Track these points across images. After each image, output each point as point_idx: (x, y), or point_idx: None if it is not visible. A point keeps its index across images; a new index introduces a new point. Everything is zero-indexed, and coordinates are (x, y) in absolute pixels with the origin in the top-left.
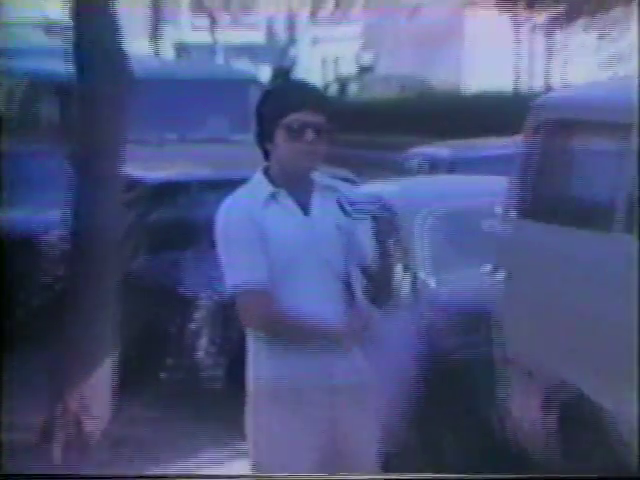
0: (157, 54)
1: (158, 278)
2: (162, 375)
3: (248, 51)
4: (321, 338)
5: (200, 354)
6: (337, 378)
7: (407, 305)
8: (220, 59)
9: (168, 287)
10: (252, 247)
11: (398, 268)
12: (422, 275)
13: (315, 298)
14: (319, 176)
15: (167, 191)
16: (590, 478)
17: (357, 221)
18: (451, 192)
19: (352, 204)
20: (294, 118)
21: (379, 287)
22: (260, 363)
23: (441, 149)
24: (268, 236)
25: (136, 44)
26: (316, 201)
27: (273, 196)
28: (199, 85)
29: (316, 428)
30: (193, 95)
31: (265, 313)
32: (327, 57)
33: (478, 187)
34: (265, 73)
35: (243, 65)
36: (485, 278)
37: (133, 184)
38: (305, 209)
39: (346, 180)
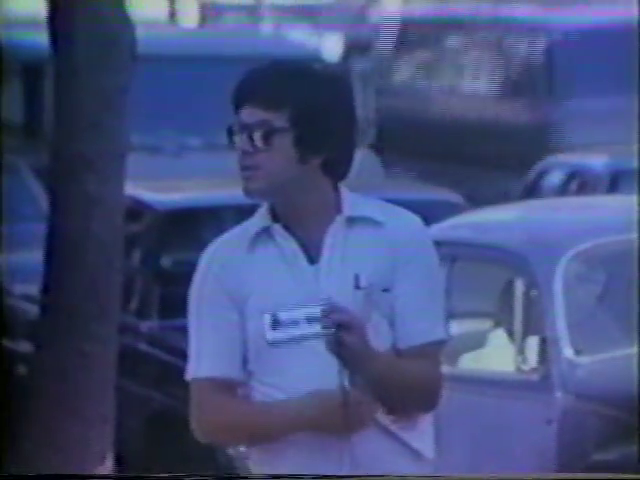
0: (175, 19)
1: (179, 352)
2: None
3: (308, 14)
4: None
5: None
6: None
7: (541, 395)
8: (266, 26)
9: None
10: (221, 318)
11: (532, 342)
12: (567, 352)
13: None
14: (352, 204)
15: (189, 221)
16: (590, 478)
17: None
18: (612, 222)
19: (311, 320)
20: (234, 120)
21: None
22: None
23: (594, 158)
24: (252, 292)
25: (145, 5)
26: (330, 240)
27: (267, 232)
28: (235, 66)
29: None
30: (225, 81)
31: (224, 423)
32: None
33: None
34: (333, 46)
35: (300, 36)
36: None
37: (140, 211)
38: (311, 253)
39: (449, 205)
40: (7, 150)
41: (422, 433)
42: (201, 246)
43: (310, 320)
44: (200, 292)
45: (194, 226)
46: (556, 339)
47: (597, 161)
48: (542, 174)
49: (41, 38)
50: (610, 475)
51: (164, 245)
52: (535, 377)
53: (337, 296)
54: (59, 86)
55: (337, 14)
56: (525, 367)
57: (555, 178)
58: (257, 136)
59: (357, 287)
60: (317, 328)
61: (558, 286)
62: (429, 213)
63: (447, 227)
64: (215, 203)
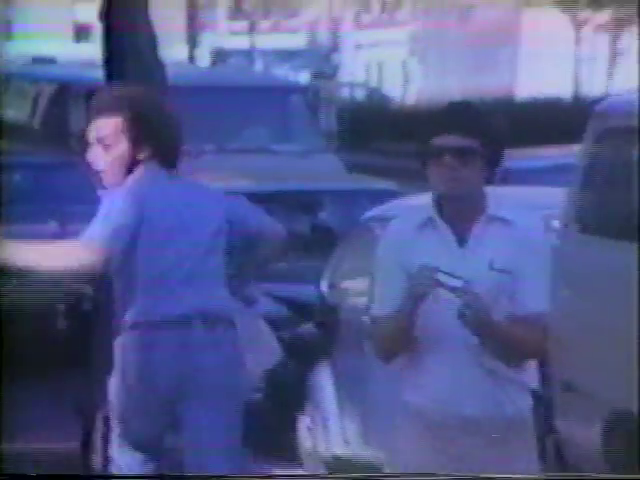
0: (193, 60)
1: None
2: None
3: (289, 57)
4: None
5: None
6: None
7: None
8: (260, 65)
9: None
10: (394, 274)
11: None
12: None
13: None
14: (495, 206)
15: None
16: (590, 478)
17: (524, 262)
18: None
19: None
20: (436, 142)
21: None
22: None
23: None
24: (413, 261)
25: (172, 50)
26: (476, 232)
27: (431, 220)
28: (237, 92)
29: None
30: (231, 103)
31: (397, 348)
32: (371, 63)
33: (532, 200)
34: (306, 79)
35: (283, 71)
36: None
37: None
38: (461, 239)
39: (385, 192)
40: None
41: (528, 369)
42: None
43: (453, 289)
44: (385, 254)
45: None
46: None
47: None
48: None
49: (97, 74)
50: (610, 475)
51: None
52: None
53: (477, 273)
54: None
55: (307, 56)
56: None
57: None
58: (464, 156)
59: (491, 268)
60: (454, 295)
61: None
62: (371, 199)
63: (384, 209)
64: None
